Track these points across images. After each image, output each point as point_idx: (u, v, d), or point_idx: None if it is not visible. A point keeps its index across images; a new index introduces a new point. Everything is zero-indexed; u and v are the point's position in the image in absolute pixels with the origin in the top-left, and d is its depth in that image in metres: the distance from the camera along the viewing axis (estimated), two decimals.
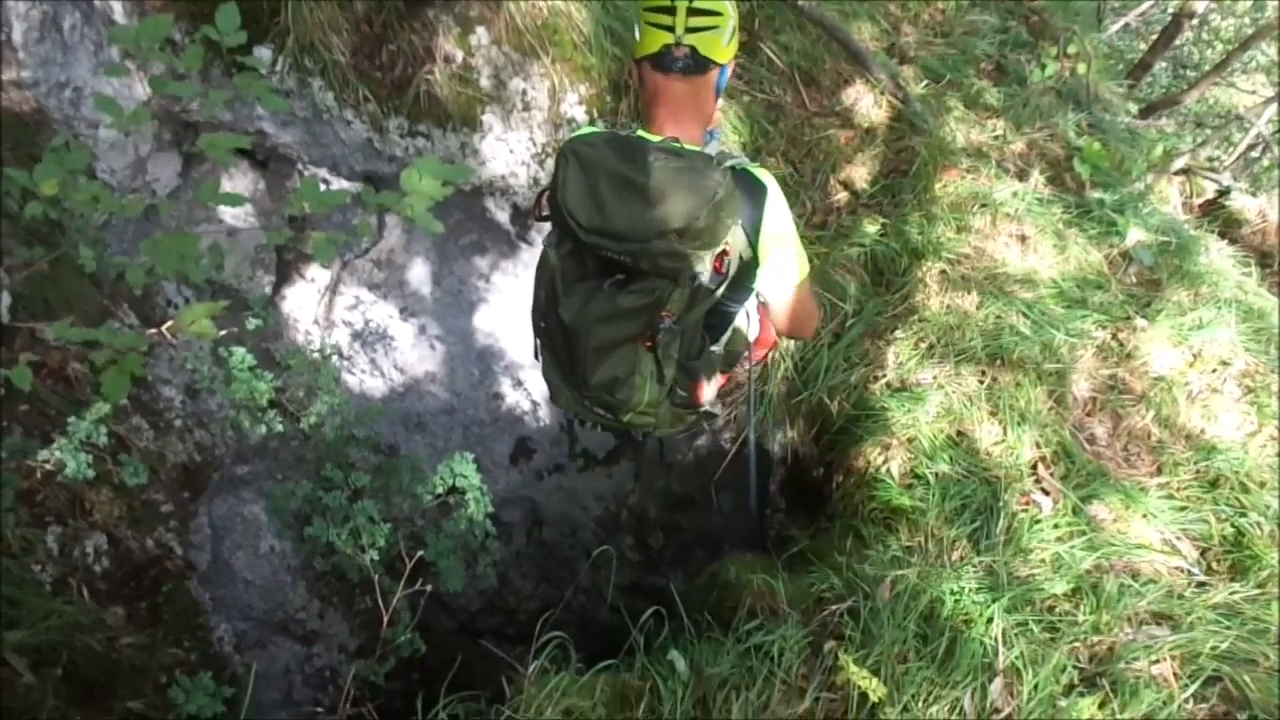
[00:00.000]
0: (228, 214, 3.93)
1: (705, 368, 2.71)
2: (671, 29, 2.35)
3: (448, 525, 4.27)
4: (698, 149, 2.44)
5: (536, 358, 2.80)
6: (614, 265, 2.41)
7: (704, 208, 2.25)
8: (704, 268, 2.39)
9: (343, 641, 4.56)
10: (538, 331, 2.70)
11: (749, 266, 2.53)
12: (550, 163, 3.97)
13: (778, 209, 2.50)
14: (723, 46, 2.41)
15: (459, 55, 3.69)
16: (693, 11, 2.33)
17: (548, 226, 2.69)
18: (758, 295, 2.73)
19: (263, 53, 3.48)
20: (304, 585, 4.47)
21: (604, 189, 2.29)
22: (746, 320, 2.80)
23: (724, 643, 2.93)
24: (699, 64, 2.40)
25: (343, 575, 4.38)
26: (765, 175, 2.51)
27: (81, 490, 3.20)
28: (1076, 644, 2.77)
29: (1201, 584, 3.08)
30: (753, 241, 2.48)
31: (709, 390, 2.78)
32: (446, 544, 4.25)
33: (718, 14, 2.36)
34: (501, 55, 3.74)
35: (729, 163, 2.43)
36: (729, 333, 2.73)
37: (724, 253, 2.41)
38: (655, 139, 2.44)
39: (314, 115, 3.71)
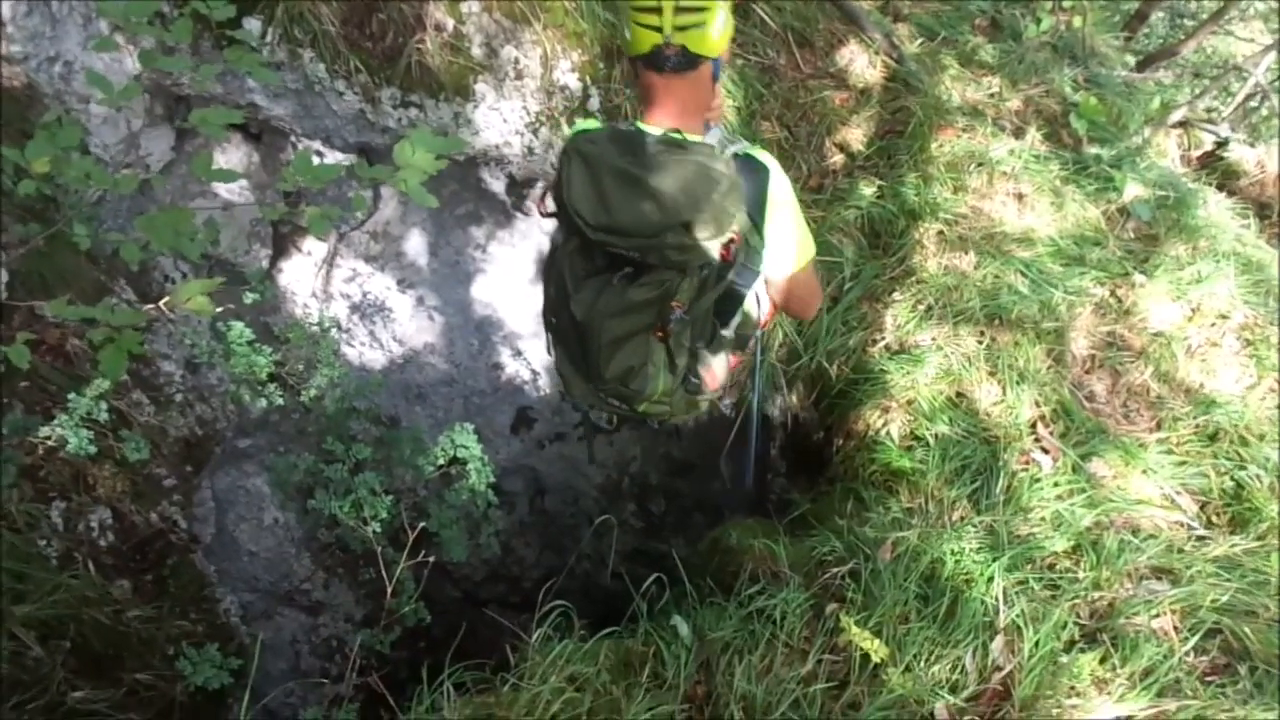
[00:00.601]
0: (222, 188, 3.91)
1: (717, 354, 2.73)
2: (660, 29, 2.31)
3: (450, 496, 4.28)
4: (699, 139, 2.42)
5: (549, 353, 2.80)
6: (622, 259, 2.41)
7: (709, 198, 2.25)
8: (712, 257, 2.40)
9: (348, 611, 4.60)
10: (549, 327, 2.70)
11: (755, 250, 2.52)
12: (544, 132, 3.95)
13: (781, 191, 2.49)
14: (713, 40, 2.36)
15: (450, 23, 3.65)
16: (679, 10, 2.28)
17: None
18: (763, 276, 2.72)
19: (252, 24, 3.45)
20: (308, 556, 4.50)
21: (609, 185, 2.28)
22: (755, 303, 2.81)
23: (726, 607, 2.95)
24: (690, 60, 2.36)
25: (347, 546, 4.41)
26: (767, 157, 2.49)
27: (84, 466, 3.21)
28: (1077, 601, 2.79)
29: (1201, 538, 3.11)
30: (758, 225, 2.47)
31: (721, 375, 2.80)
32: (449, 514, 4.27)
33: (703, 9, 2.31)
34: (493, 23, 3.71)
35: (731, 149, 2.42)
36: (738, 316, 2.73)
37: (731, 240, 2.41)
38: (656, 132, 2.42)
39: (305, 87, 3.68)
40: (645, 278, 2.38)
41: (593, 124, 2.61)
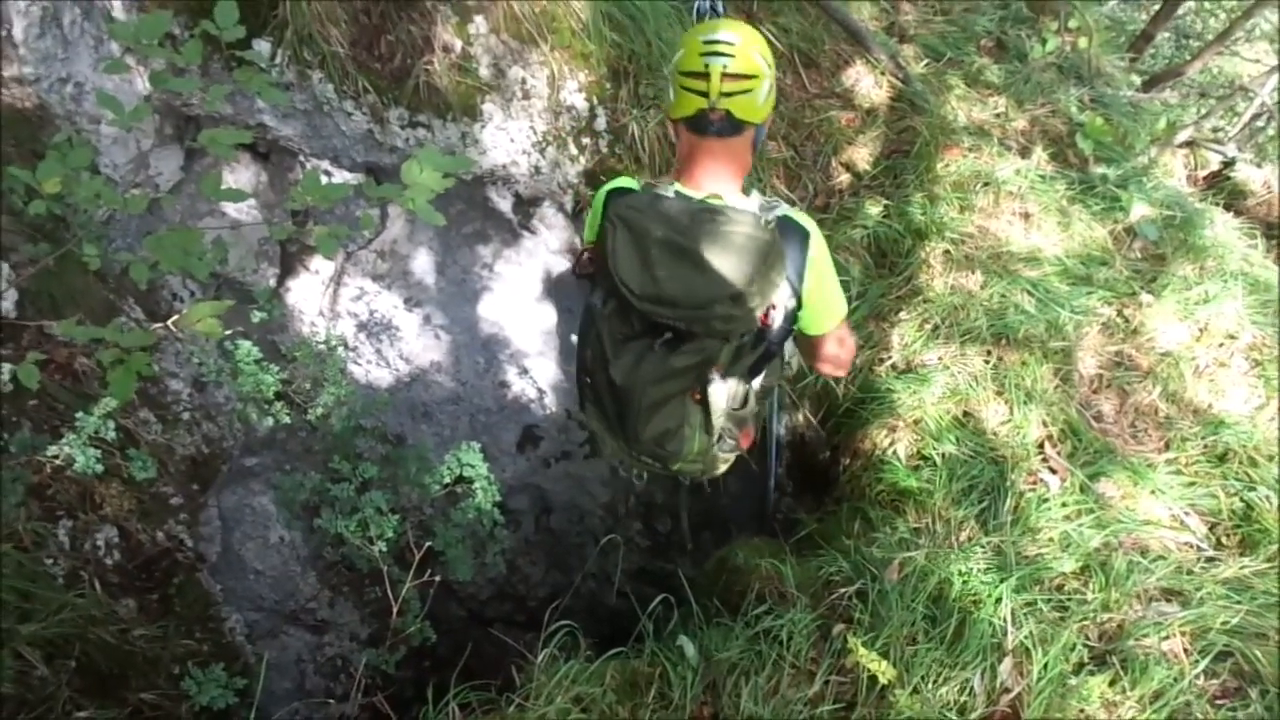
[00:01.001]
0: (231, 207, 3.93)
1: (751, 414, 2.73)
2: (706, 94, 2.31)
3: (456, 514, 4.28)
4: (741, 204, 2.41)
5: (581, 408, 2.79)
6: (664, 325, 2.41)
7: (758, 270, 2.25)
8: (756, 324, 2.41)
9: (354, 631, 4.59)
10: (583, 385, 2.70)
11: (793, 312, 2.53)
12: (551, 151, 3.96)
13: (820, 254, 2.49)
14: (759, 106, 2.37)
15: (458, 44, 3.68)
16: (728, 76, 2.28)
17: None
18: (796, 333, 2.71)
19: (262, 45, 3.48)
20: (314, 575, 4.49)
21: (656, 257, 2.27)
22: (783, 356, 2.81)
23: (733, 627, 2.94)
24: (735, 126, 2.37)
25: (352, 565, 4.40)
26: (807, 220, 2.49)
27: (91, 484, 3.21)
28: (1086, 622, 2.77)
29: (1211, 559, 3.09)
30: (797, 289, 2.47)
31: (754, 430, 2.81)
32: (455, 533, 4.26)
33: (753, 76, 2.31)
34: (500, 44, 3.73)
35: (773, 214, 2.40)
36: (767, 371, 2.74)
37: (771, 305, 2.42)
38: (697, 196, 2.42)
39: (314, 107, 3.70)
40: (687, 345, 2.38)
41: (626, 182, 2.60)
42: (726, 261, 2.23)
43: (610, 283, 2.36)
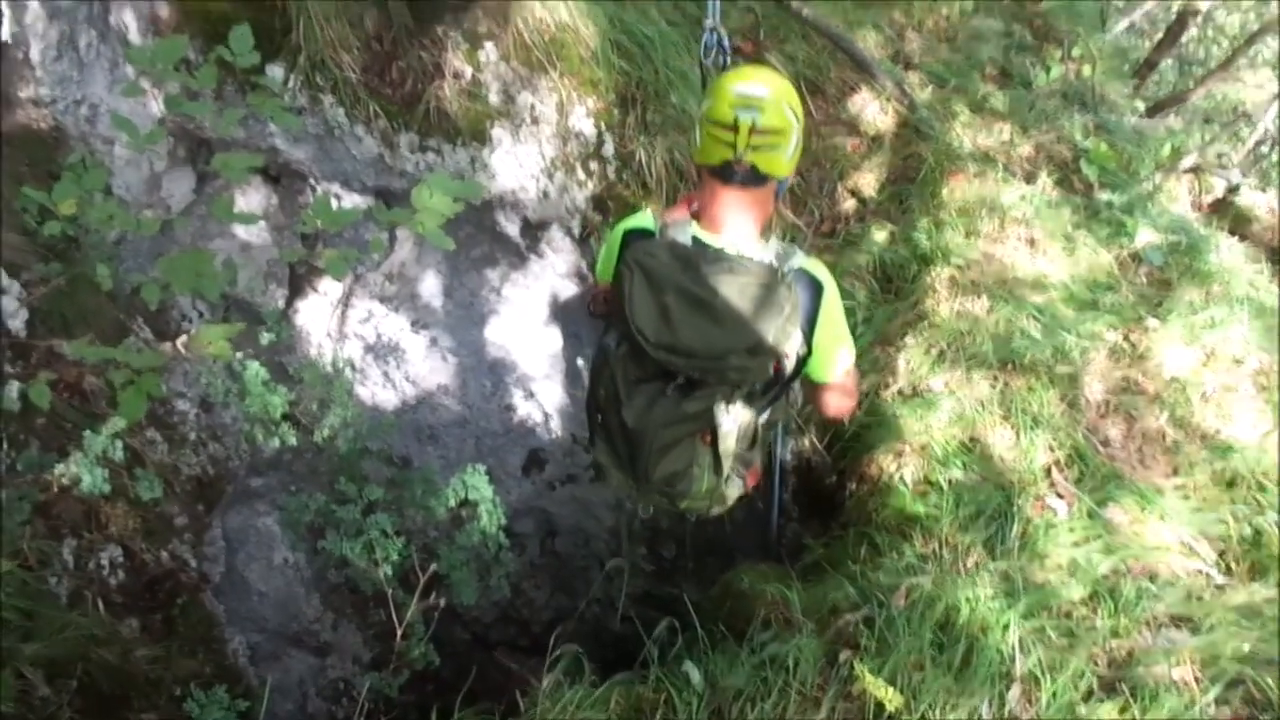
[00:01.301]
0: (241, 229, 3.95)
1: (758, 455, 2.76)
2: (733, 145, 2.32)
3: (461, 537, 4.27)
4: (759, 254, 2.42)
5: (591, 445, 2.80)
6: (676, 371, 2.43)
7: (774, 323, 2.27)
8: (769, 374, 2.43)
9: (357, 654, 4.57)
10: (594, 422, 2.71)
11: (803, 360, 2.55)
12: (559, 176, 3.99)
13: (834, 306, 2.52)
14: (784, 162, 2.38)
15: (468, 71, 3.71)
16: (756, 130, 2.29)
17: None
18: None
19: (275, 71, 3.51)
20: (318, 598, 4.48)
21: (673, 306, 2.29)
22: (789, 395, 2.83)
23: (739, 653, 2.93)
24: (759, 178, 2.39)
25: (356, 588, 4.39)
26: (822, 272, 2.51)
27: (97, 504, 3.22)
28: (1095, 649, 2.76)
29: (1220, 585, 3.07)
30: (809, 338, 2.49)
31: (760, 469, 2.84)
32: (460, 556, 4.25)
33: (781, 131, 2.33)
34: (510, 70, 3.76)
35: (789, 265, 2.42)
36: (771, 407, 2.76)
37: (784, 355, 2.43)
38: (715, 243, 2.43)
39: (325, 131, 3.73)
40: (699, 391, 2.40)
41: (643, 221, 2.61)
42: (743, 314, 2.25)
43: (625, 327, 2.36)
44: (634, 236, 2.58)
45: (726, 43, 3.31)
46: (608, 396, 2.54)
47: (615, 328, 2.48)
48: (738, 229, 2.46)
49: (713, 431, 2.50)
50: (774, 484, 3.93)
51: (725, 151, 2.34)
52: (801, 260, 2.47)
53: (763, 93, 2.29)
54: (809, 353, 2.52)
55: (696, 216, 2.51)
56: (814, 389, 2.72)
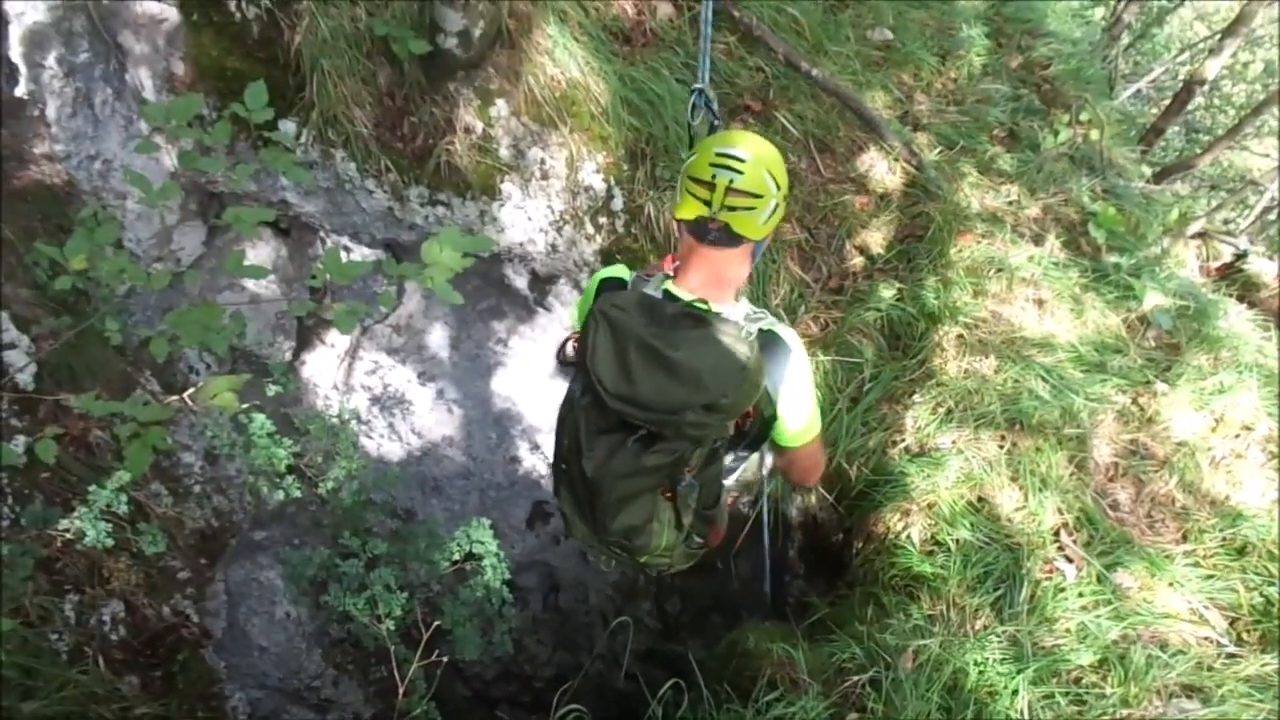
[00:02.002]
0: (251, 282, 3.98)
1: (721, 514, 2.77)
2: (709, 203, 2.35)
3: (464, 592, 4.24)
4: (727, 313, 2.45)
5: (555, 494, 2.81)
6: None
7: (732, 382, 2.27)
8: (728, 433, 2.44)
9: (358, 710, 4.52)
10: (557, 471, 2.72)
11: (768, 422, 2.57)
12: (568, 230, 4.01)
13: (800, 370, 2.53)
14: (759, 225, 2.40)
15: (479, 126, 3.75)
16: (732, 191, 2.33)
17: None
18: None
19: (288, 126, 3.55)
20: (319, 653, 4.44)
21: (634, 359, 2.29)
22: (760, 456, 2.84)
23: (744, 714, 2.89)
24: (732, 239, 2.41)
25: (358, 643, 4.35)
26: (790, 335, 2.53)
27: (100, 558, 3.21)
28: (1105, 717, 2.71)
29: (1231, 655, 3.02)
30: (773, 402, 2.51)
31: (723, 528, 2.86)
32: (463, 611, 4.21)
33: (758, 196, 2.35)
34: (520, 126, 3.81)
35: (756, 326, 2.45)
36: (738, 470, 2.77)
37: (747, 414, 2.45)
38: (686, 298, 2.46)
39: (336, 185, 3.77)
40: (659, 445, 2.39)
41: (618, 271, 2.65)
42: (701, 371, 2.25)
43: (588, 377, 2.38)
44: (608, 286, 2.62)
45: (715, 105, 3.37)
46: (570, 445, 2.53)
47: (581, 376, 2.49)
48: (709, 288, 2.49)
49: (673, 488, 2.49)
50: (777, 542, 3.91)
51: (701, 208, 2.37)
52: (771, 323, 2.50)
53: (743, 155, 2.33)
54: (774, 417, 2.53)
55: (676, 272, 2.54)
56: (779, 453, 2.72)
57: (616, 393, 2.31)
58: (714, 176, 2.32)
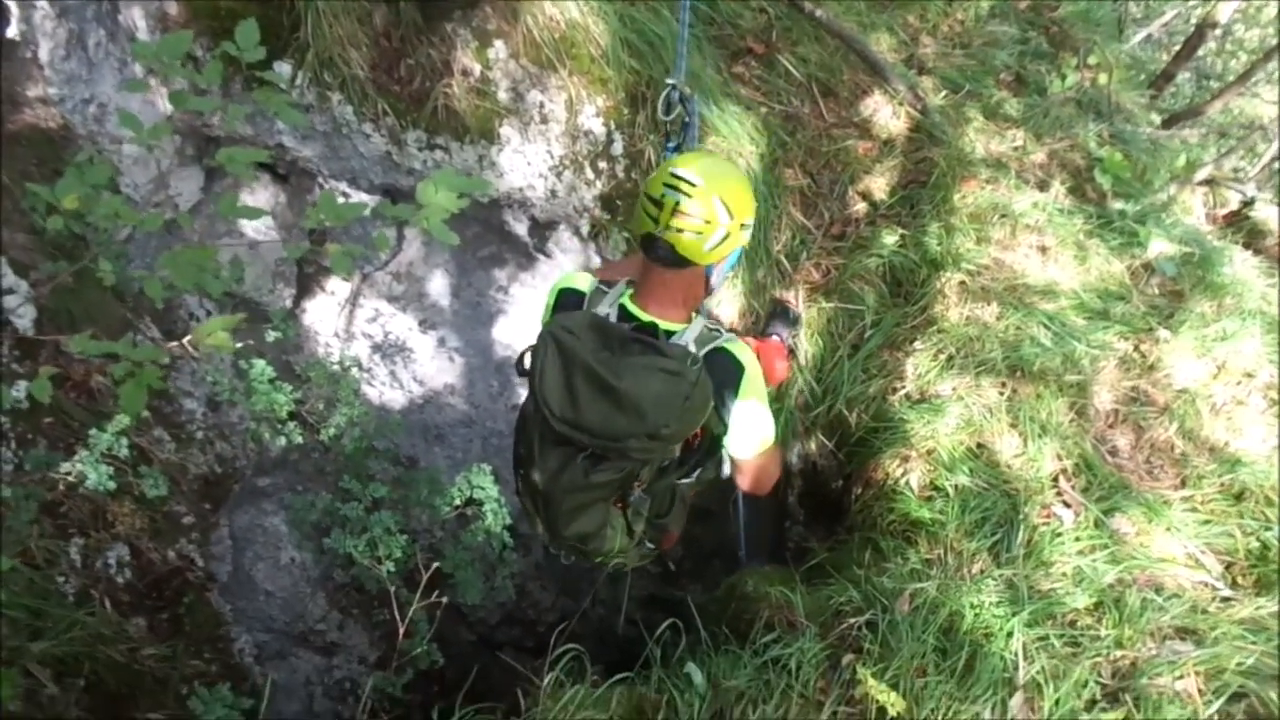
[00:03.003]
0: (248, 227, 3.96)
1: (676, 519, 2.80)
2: (656, 221, 2.36)
3: (466, 537, 4.27)
4: (681, 334, 2.47)
5: (518, 493, 2.84)
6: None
7: (677, 412, 2.28)
8: (675, 455, 2.49)
9: (363, 653, 4.57)
10: (516, 474, 2.75)
11: (719, 438, 2.59)
12: (568, 175, 3.99)
13: (753, 391, 2.52)
14: (705, 252, 2.39)
15: (477, 69, 3.71)
16: (679, 213, 2.32)
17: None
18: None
19: (282, 67, 3.51)
20: (324, 597, 4.49)
21: (579, 384, 2.31)
22: (718, 466, 2.86)
23: (741, 655, 2.92)
24: (678, 260, 2.40)
25: (362, 587, 4.39)
26: (745, 355, 2.52)
27: (104, 502, 3.23)
28: (1099, 659, 2.74)
29: (1226, 599, 3.05)
30: (724, 419, 2.52)
31: (679, 530, 2.91)
32: (464, 556, 4.25)
33: (706, 222, 2.34)
34: (519, 68, 3.76)
35: (709, 346, 2.45)
36: (699, 471, 2.79)
37: (695, 435, 2.48)
38: (641, 317, 2.49)
39: (333, 129, 3.73)
40: (606, 464, 2.43)
41: (577, 281, 2.68)
42: (643, 402, 2.26)
43: (536, 399, 2.40)
44: (567, 298, 2.66)
45: (692, 104, 3.34)
46: (525, 455, 2.59)
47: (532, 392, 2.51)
48: (662, 306, 2.51)
49: (624, 499, 2.56)
50: (738, 517, 3.99)
51: (650, 225, 2.37)
52: (726, 340, 2.50)
53: (696, 180, 2.33)
54: (725, 430, 2.55)
55: (635, 286, 2.57)
56: (732, 462, 2.75)
57: (563, 417, 2.34)
58: (663, 196, 2.33)
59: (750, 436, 2.58)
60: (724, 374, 2.45)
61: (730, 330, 2.64)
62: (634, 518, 2.60)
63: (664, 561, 3.27)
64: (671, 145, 3.48)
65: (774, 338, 3.97)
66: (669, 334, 2.47)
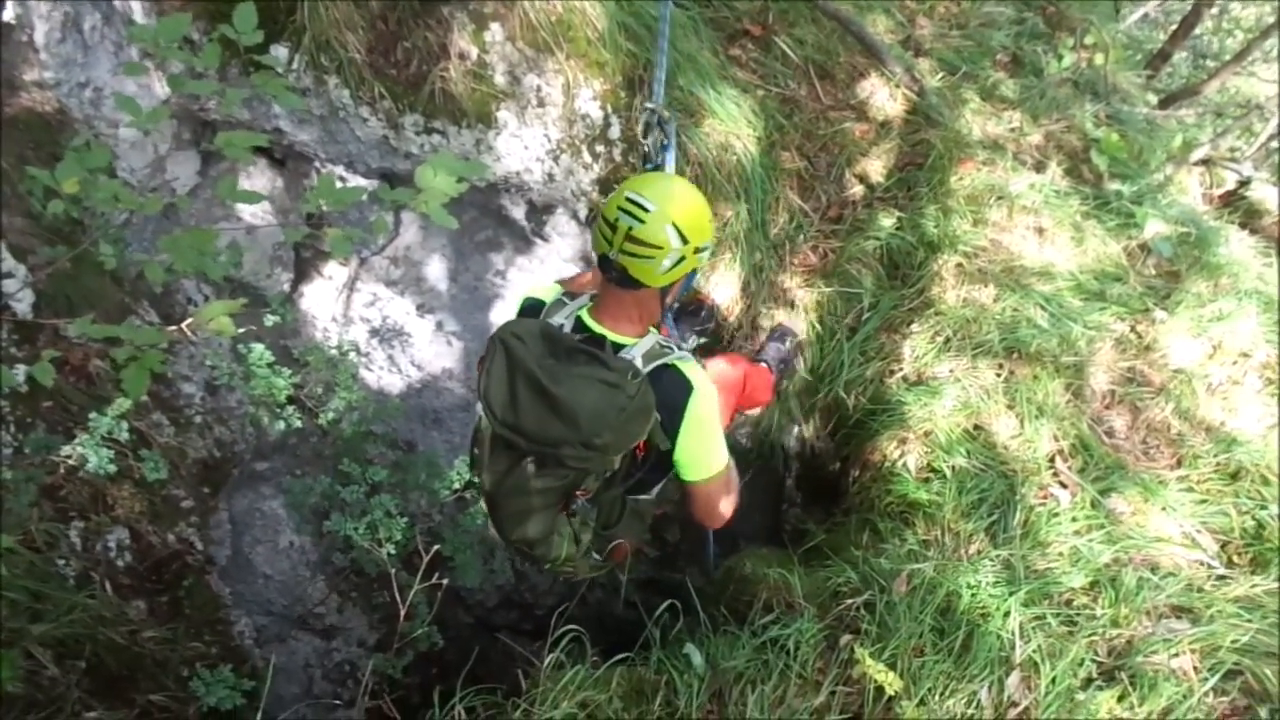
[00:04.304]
0: (246, 212, 3.96)
1: (628, 530, 2.79)
2: (610, 243, 2.37)
3: (464, 520, 4.29)
4: (630, 349, 2.48)
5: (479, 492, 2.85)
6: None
7: (611, 423, 2.29)
8: (614, 466, 2.46)
9: (361, 636, 4.59)
10: (473, 478, 2.76)
11: (668, 455, 2.57)
12: (565, 159, 3.98)
13: (701, 409, 2.52)
14: (657, 275, 2.41)
15: (474, 52, 3.70)
16: (630, 238, 2.34)
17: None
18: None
19: (279, 51, 3.50)
20: (323, 580, 4.50)
21: (520, 389, 2.33)
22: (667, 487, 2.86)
23: (740, 636, 2.94)
24: (631, 282, 2.42)
25: (361, 570, 4.41)
26: (694, 372, 2.52)
27: (103, 485, 3.24)
28: (1095, 637, 2.76)
29: (1222, 577, 3.07)
30: (672, 436, 2.51)
31: (635, 539, 2.89)
32: (463, 539, 4.27)
33: (657, 247, 2.35)
34: (516, 52, 3.75)
35: (657, 362, 2.46)
36: (659, 487, 2.78)
37: (638, 448, 2.48)
38: (594, 329, 2.52)
39: (330, 113, 3.72)
40: (547, 470, 2.44)
41: (542, 293, 2.72)
42: (579, 410, 2.28)
43: (482, 400, 2.43)
44: (530, 307, 2.70)
45: (670, 127, 3.34)
46: (477, 457, 2.61)
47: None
48: (616, 321, 2.54)
49: (567, 506, 2.57)
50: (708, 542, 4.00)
51: (604, 246, 2.40)
52: (678, 358, 2.51)
53: (650, 205, 2.34)
54: (672, 450, 2.55)
55: (596, 299, 2.60)
56: (682, 487, 2.74)
57: (503, 420, 2.37)
58: (617, 220, 2.35)
59: (695, 458, 2.59)
60: (671, 391, 2.46)
61: (692, 349, 2.69)
62: (581, 527, 2.62)
63: (615, 574, 3.28)
64: (650, 166, 3.51)
65: (764, 364, 4.00)
66: (619, 347, 2.49)
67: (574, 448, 2.32)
